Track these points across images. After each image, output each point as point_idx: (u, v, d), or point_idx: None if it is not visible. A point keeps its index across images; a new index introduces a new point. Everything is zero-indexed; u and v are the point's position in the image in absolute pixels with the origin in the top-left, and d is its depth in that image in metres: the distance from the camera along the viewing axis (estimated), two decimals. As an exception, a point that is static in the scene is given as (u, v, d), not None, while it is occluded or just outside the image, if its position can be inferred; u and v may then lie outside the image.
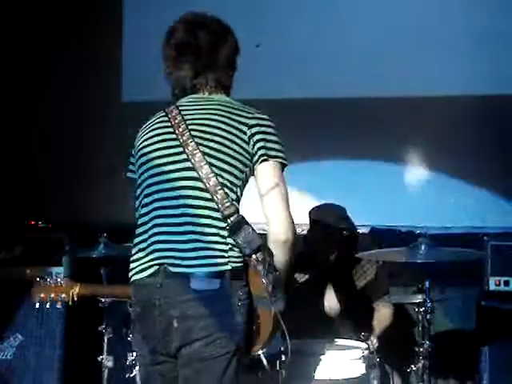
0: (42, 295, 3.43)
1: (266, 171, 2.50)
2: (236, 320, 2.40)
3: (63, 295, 3.41)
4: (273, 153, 2.50)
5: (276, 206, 2.47)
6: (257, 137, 2.50)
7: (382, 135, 5.02)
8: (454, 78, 4.97)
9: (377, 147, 5.07)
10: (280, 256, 2.48)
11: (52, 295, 3.41)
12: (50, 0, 5.52)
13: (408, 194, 5.15)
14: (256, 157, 2.50)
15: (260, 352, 2.54)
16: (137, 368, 3.52)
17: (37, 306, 3.45)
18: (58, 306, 3.44)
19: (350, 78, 5.09)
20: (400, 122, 5.06)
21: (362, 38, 5.10)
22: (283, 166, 2.52)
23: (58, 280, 3.45)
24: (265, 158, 2.49)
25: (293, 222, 2.49)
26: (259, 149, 2.49)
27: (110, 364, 3.91)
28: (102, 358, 3.91)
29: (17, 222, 5.09)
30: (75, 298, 3.42)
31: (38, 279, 3.45)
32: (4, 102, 5.41)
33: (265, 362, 2.56)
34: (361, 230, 4.51)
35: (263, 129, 2.52)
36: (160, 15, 5.27)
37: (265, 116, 2.56)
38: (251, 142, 2.50)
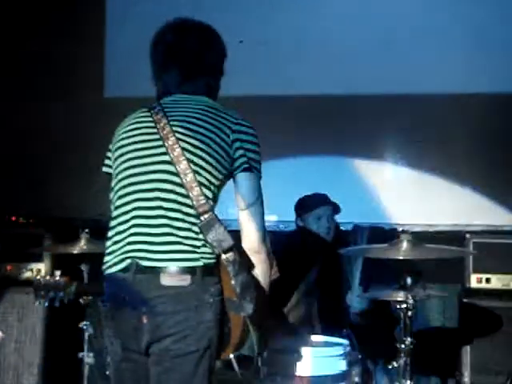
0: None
1: (247, 184, 2.50)
2: (207, 317, 2.38)
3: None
4: (253, 163, 2.50)
5: (254, 220, 2.48)
6: (239, 143, 2.49)
7: (366, 133, 5.03)
8: (440, 76, 4.98)
9: (361, 144, 5.08)
10: (256, 265, 2.49)
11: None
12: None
13: (391, 192, 5.16)
14: (237, 163, 2.49)
15: (231, 355, 2.51)
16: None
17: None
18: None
19: (334, 74, 5.10)
20: (385, 120, 5.07)
21: (348, 34, 5.11)
22: (260, 177, 2.53)
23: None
24: (246, 166, 2.48)
25: (266, 234, 2.52)
26: (241, 156, 2.48)
27: (90, 360, 3.89)
28: (83, 355, 3.89)
29: (-3, 218, 5.07)
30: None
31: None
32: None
33: (235, 366, 2.51)
34: (344, 227, 4.54)
35: (245, 137, 2.50)
36: (143, 11, 5.29)
37: (249, 124, 2.54)
38: (233, 147, 2.48)
